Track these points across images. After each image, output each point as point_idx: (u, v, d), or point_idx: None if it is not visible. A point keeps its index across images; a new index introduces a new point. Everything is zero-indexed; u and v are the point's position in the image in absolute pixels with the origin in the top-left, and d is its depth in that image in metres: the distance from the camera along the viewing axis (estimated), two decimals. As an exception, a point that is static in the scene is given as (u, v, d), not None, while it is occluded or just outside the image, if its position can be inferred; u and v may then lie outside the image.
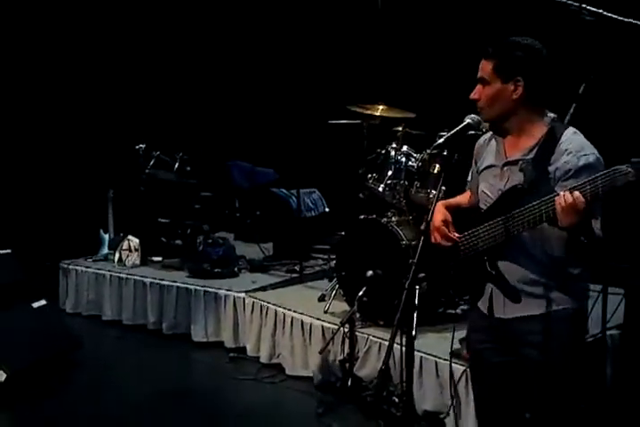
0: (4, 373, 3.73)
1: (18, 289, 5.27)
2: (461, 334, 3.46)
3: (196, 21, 6.30)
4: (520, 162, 2.12)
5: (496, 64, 2.11)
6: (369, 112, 4.39)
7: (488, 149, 2.28)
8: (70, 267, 5.32)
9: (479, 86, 2.16)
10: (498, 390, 2.27)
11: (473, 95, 2.17)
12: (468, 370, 3.06)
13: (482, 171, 2.28)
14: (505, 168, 2.18)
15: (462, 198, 2.45)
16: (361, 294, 3.61)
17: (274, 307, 4.27)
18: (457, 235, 2.27)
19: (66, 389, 3.98)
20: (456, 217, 2.32)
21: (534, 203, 2.01)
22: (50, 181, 6.22)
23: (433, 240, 2.28)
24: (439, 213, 2.29)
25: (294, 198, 5.18)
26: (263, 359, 4.26)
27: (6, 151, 4.58)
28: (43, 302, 4.32)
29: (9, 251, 5.61)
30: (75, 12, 6.14)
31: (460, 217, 2.31)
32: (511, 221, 2.06)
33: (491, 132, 2.28)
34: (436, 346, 3.43)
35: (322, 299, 4.30)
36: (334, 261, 4.34)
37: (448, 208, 2.35)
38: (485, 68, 2.14)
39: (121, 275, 5.04)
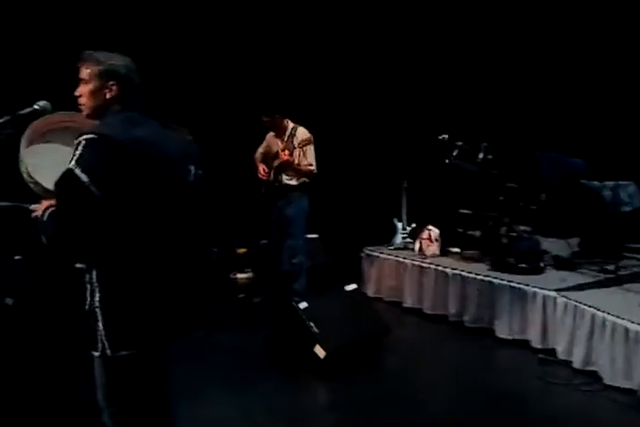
0: (323, 351, 4.00)
1: (325, 271, 5.68)
2: None
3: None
4: None
5: None
6: None
7: None
8: (373, 254, 5.55)
9: None
10: None
11: None
12: None
13: None
14: None
15: None
16: None
17: (590, 309, 3.95)
18: None
19: (377, 372, 4.13)
20: None
21: None
22: (349, 174, 6.58)
23: None
24: None
25: (609, 191, 4.74)
26: (576, 365, 3.97)
27: (322, 152, 4.94)
28: (354, 286, 4.53)
29: (316, 235, 6.11)
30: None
31: None
32: None
33: None
34: None
35: (648, 305, 3.87)
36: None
37: None
38: None
39: (422, 264, 5.11)
